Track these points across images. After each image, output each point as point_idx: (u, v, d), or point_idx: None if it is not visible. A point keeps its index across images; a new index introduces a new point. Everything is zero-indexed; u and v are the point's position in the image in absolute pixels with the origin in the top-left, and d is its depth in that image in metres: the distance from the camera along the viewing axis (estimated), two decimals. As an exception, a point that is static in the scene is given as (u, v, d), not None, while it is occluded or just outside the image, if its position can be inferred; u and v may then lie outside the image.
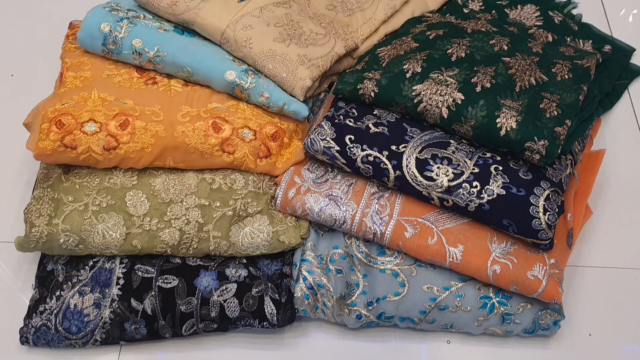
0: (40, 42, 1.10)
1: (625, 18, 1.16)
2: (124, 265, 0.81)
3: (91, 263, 0.81)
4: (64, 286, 0.80)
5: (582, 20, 1.11)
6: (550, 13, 1.07)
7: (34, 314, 0.78)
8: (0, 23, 1.12)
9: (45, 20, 1.14)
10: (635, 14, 1.17)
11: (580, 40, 1.05)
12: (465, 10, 1.08)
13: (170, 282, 0.79)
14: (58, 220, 0.79)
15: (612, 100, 1.04)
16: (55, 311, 0.78)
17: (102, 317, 0.78)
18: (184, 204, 0.81)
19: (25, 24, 1.13)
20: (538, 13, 1.07)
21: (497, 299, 0.80)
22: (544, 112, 0.80)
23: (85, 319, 0.78)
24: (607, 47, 1.06)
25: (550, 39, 0.99)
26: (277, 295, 0.79)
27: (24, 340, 0.78)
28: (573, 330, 0.83)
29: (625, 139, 1.01)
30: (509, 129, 0.78)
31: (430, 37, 0.92)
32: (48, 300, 0.79)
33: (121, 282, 0.79)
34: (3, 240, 0.88)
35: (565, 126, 0.80)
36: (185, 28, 0.92)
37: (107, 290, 0.79)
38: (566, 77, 0.87)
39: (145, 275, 0.80)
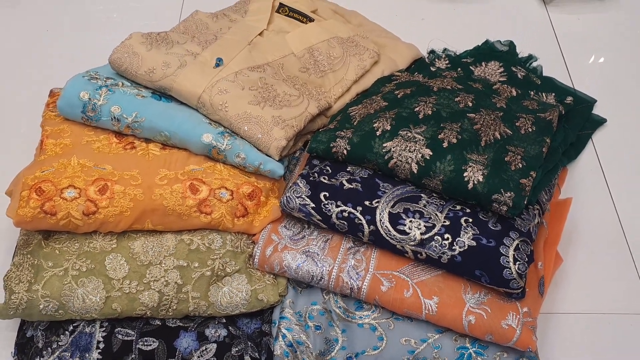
0: (20, 107, 1.13)
1: (586, 70, 1.22)
2: (104, 329, 0.81)
3: (71, 328, 0.81)
4: (44, 352, 0.80)
5: (544, 74, 1.16)
6: (514, 68, 1.12)
7: (13, 383, 0.78)
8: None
9: (26, 85, 1.16)
10: (594, 66, 1.23)
11: (543, 94, 1.10)
12: (432, 69, 1.13)
13: (150, 345, 0.80)
14: (38, 286, 0.80)
15: (577, 150, 1.09)
16: (34, 379, 0.78)
17: (82, 383, 0.78)
18: (163, 265, 0.83)
19: (7, 90, 1.15)
20: (502, 69, 1.12)
21: (474, 349, 0.81)
22: (509, 164, 0.84)
23: (65, 386, 0.78)
24: (569, 99, 1.11)
25: (514, 93, 1.04)
26: (257, 354, 0.80)
27: (2, 410, 0.78)
28: (549, 376, 0.85)
29: (592, 186, 1.04)
30: (476, 182, 0.81)
31: (399, 96, 0.97)
32: (27, 367, 0.79)
33: (101, 346, 0.80)
34: (-18, 308, 0.88)
35: (530, 177, 0.83)
36: (162, 94, 0.95)
37: (87, 355, 0.79)
38: (529, 130, 0.91)
39: (126, 338, 0.80)
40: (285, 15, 1.13)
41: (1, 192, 0.90)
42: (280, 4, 1.14)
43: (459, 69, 1.12)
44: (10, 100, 1.14)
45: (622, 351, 0.87)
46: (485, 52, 1.17)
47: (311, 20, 1.13)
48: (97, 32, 1.25)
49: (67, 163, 0.86)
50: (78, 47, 1.22)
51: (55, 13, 1.29)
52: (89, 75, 0.95)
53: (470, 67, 1.13)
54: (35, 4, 1.30)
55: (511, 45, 1.18)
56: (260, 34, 1.07)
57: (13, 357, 0.82)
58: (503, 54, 1.16)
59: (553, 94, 1.10)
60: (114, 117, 0.90)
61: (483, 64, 1.13)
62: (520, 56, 1.17)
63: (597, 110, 1.14)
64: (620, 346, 0.88)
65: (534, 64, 1.17)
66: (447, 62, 1.15)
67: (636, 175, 1.06)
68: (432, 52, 1.19)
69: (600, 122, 1.13)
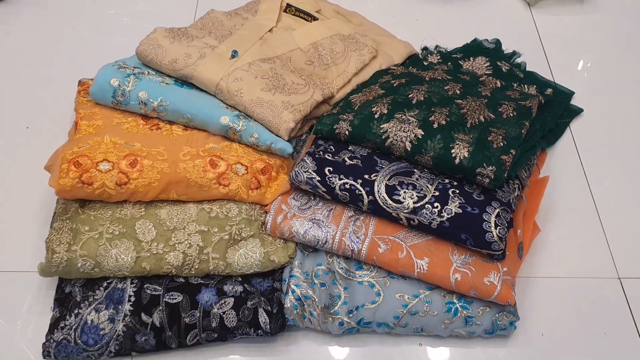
0: (50, 98, 1.23)
1: (566, 66, 1.33)
2: (134, 285, 0.92)
3: (105, 284, 0.92)
4: (82, 305, 0.90)
5: (527, 69, 1.28)
6: (499, 63, 1.24)
7: (55, 330, 0.89)
8: (16, 83, 1.26)
9: (53, 79, 1.27)
10: (573, 62, 1.34)
11: (526, 86, 1.21)
12: (425, 63, 1.24)
13: (176, 298, 0.91)
14: (76, 247, 0.91)
15: (556, 136, 1.20)
16: (74, 327, 0.88)
17: (116, 331, 0.88)
18: (186, 230, 0.93)
19: (38, 83, 1.26)
20: (488, 64, 1.24)
21: (460, 304, 0.92)
22: (492, 143, 0.95)
23: (101, 333, 0.88)
24: (549, 91, 1.22)
25: (498, 84, 1.15)
26: (269, 307, 0.91)
27: (46, 354, 0.88)
28: (528, 331, 0.95)
29: (568, 168, 1.15)
30: (462, 158, 0.93)
31: (395, 85, 1.08)
32: (67, 317, 0.89)
33: (132, 299, 0.90)
34: (23, 270, 0.99)
35: (510, 155, 0.94)
36: (184, 81, 1.06)
37: (120, 307, 0.90)
38: (511, 114, 1.02)
39: (154, 292, 0.91)
40: (292, 14, 1.25)
41: (37, 170, 1.01)
42: (288, 4, 1.26)
43: (449, 63, 1.24)
44: (40, 86, 1.25)
45: (591, 310, 0.98)
46: (474, 48, 1.28)
47: (315, 19, 1.24)
48: (110, 34, 1.36)
49: (101, 141, 0.97)
50: (94, 45, 1.33)
51: (77, 14, 1.40)
52: (118, 64, 1.06)
53: (460, 62, 1.24)
54: (62, 4, 1.42)
55: (497, 42, 1.30)
56: (270, 31, 1.18)
57: (52, 310, 0.92)
58: (490, 50, 1.28)
59: (534, 86, 1.22)
60: (141, 102, 1.01)
61: (471, 59, 1.25)
62: (505, 52, 1.29)
63: (574, 101, 1.25)
64: (590, 306, 0.98)
65: (518, 60, 1.28)
66: (438, 57, 1.26)
67: (609, 158, 1.17)
68: (425, 48, 1.30)
69: (577, 111, 1.24)
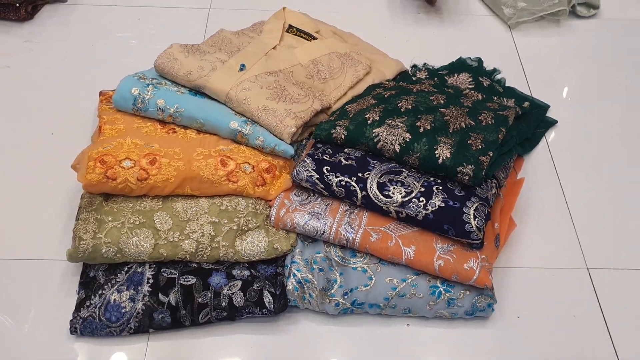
0: (71, 108, 1.35)
1: (542, 82, 1.46)
2: (152, 269, 1.03)
3: (126, 268, 1.03)
4: (105, 287, 1.01)
5: (507, 84, 1.40)
6: (480, 78, 1.36)
7: (82, 308, 0.99)
8: (40, 95, 1.38)
9: (73, 91, 1.39)
10: (549, 79, 1.47)
11: (505, 99, 1.33)
12: (414, 78, 1.37)
13: (189, 281, 1.01)
14: (101, 235, 1.01)
15: (532, 144, 1.32)
16: (98, 305, 0.99)
17: (136, 309, 0.99)
18: (199, 221, 1.05)
19: (60, 94, 1.38)
20: (471, 79, 1.36)
21: (443, 287, 1.03)
22: (471, 146, 1.07)
23: (123, 311, 0.99)
24: (527, 104, 1.34)
25: (479, 97, 1.28)
26: (273, 289, 1.01)
27: (72, 330, 0.98)
28: (505, 314, 1.06)
29: (543, 173, 1.27)
30: (444, 158, 1.04)
31: (386, 96, 1.20)
32: (92, 297, 1.00)
33: (151, 281, 1.01)
34: (50, 259, 1.09)
35: (487, 156, 1.06)
36: (197, 91, 1.18)
37: (139, 288, 1.00)
38: (489, 122, 1.14)
39: (170, 276, 1.02)
40: (293, 34, 1.38)
41: (61, 171, 1.13)
42: (290, 25, 1.39)
43: (435, 79, 1.36)
44: (62, 97, 1.36)
45: (562, 296, 1.08)
46: (458, 66, 1.41)
47: (315, 38, 1.37)
48: (120, 53, 1.48)
49: (123, 142, 1.09)
50: (111, 61, 1.45)
51: (96, 34, 1.52)
52: (138, 76, 1.18)
53: (445, 77, 1.37)
54: (83, 25, 1.55)
55: (480, 61, 1.43)
56: (273, 48, 1.31)
57: (77, 293, 1.03)
58: (473, 67, 1.41)
59: (513, 100, 1.34)
60: (159, 108, 1.13)
61: (455, 74, 1.37)
62: (487, 69, 1.41)
63: (550, 114, 1.38)
64: (561, 293, 1.09)
65: (498, 76, 1.41)
66: (426, 73, 1.39)
67: (580, 164, 1.29)
68: (414, 66, 1.43)
69: (552, 122, 1.36)
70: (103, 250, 1.01)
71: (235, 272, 1.03)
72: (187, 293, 1.00)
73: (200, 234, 1.03)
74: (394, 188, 1.04)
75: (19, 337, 1.00)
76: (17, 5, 1.49)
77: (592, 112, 1.40)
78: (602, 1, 1.64)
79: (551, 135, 1.35)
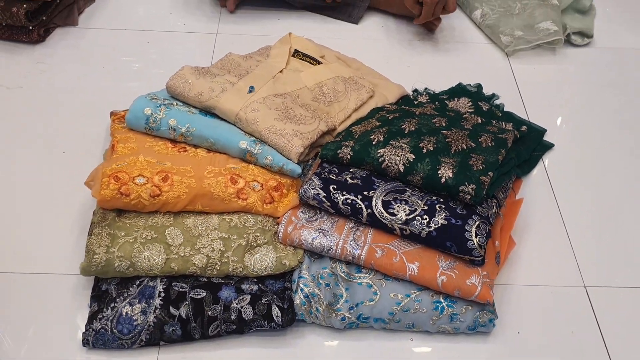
0: (81, 127, 1.38)
1: (539, 107, 1.50)
2: (163, 283, 1.05)
3: (138, 282, 1.05)
4: (117, 300, 1.03)
5: (505, 109, 1.45)
6: (480, 103, 1.41)
7: (94, 321, 1.02)
8: (53, 113, 1.41)
9: (84, 111, 1.42)
10: (546, 104, 1.52)
11: (503, 123, 1.38)
12: (416, 102, 1.42)
13: (200, 294, 1.04)
14: (114, 249, 1.04)
15: (530, 166, 1.36)
16: (110, 318, 1.01)
17: (147, 322, 1.01)
18: (210, 237, 1.08)
19: (70, 114, 1.42)
20: (470, 103, 1.41)
21: (446, 302, 1.06)
22: (472, 166, 1.11)
23: (134, 323, 1.01)
24: (524, 128, 1.39)
25: (479, 121, 1.32)
26: (281, 303, 1.04)
27: (85, 342, 1.01)
28: (505, 329, 1.09)
29: (541, 194, 1.31)
30: (447, 178, 1.08)
31: (389, 118, 1.25)
32: (104, 310, 1.02)
33: (162, 294, 1.04)
34: (64, 273, 1.12)
35: (488, 176, 1.10)
36: (207, 112, 1.22)
37: (151, 301, 1.03)
38: (489, 144, 1.18)
39: (181, 289, 1.05)
40: (299, 59, 1.42)
41: (73, 188, 1.17)
42: (295, 50, 1.44)
43: (436, 103, 1.41)
44: (73, 117, 1.40)
45: (561, 313, 1.12)
46: (458, 91, 1.46)
47: (320, 63, 1.42)
48: (125, 76, 1.52)
49: (136, 160, 1.12)
50: (120, 83, 1.49)
51: (106, 56, 1.57)
52: (150, 96, 1.22)
53: (446, 102, 1.41)
54: (93, 48, 1.59)
55: (479, 86, 1.48)
56: (280, 72, 1.36)
57: (89, 307, 1.05)
58: (472, 92, 1.45)
59: (511, 123, 1.38)
60: (171, 127, 1.17)
61: (456, 99, 1.42)
62: (486, 95, 1.46)
63: (547, 137, 1.42)
64: (559, 310, 1.12)
65: (497, 102, 1.46)
66: (427, 97, 1.44)
67: (576, 185, 1.33)
68: (415, 90, 1.48)
69: (549, 146, 1.41)
70: (116, 264, 1.03)
71: (244, 286, 1.06)
72: (198, 306, 1.03)
73: (211, 249, 1.06)
74: (398, 206, 1.08)
75: (32, 348, 1.02)
76: (30, 28, 1.53)
77: (587, 136, 1.45)
78: (596, 31, 1.70)
79: (548, 157, 1.39)
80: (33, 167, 1.29)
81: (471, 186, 1.07)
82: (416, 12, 1.58)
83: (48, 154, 1.32)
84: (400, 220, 1.07)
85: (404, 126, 1.20)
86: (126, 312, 1.02)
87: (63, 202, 1.23)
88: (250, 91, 1.24)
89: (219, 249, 1.06)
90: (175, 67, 1.30)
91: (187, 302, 1.03)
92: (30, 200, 1.23)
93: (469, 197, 1.07)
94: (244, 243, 1.08)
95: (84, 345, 1.01)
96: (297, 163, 1.17)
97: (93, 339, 1.01)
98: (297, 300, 1.05)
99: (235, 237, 1.08)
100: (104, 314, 1.02)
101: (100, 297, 1.05)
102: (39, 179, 1.27)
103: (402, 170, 1.11)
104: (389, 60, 1.60)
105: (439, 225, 1.05)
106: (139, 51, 1.59)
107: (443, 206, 1.08)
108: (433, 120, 1.22)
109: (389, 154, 1.13)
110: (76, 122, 1.39)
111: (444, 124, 1.22)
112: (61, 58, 1.55)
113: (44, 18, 1.54)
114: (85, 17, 1.66)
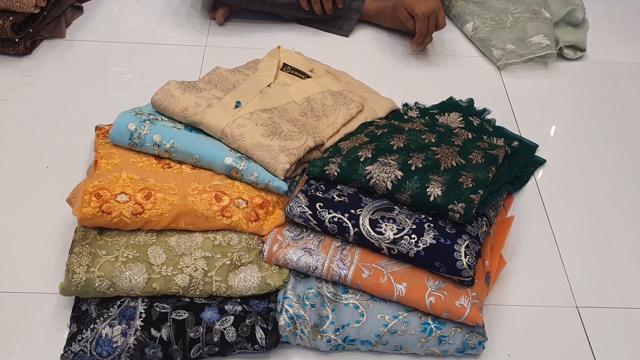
0: (66, 142, 1.36)
1: (531, 122, 1.49)
2: (145, 303, 1.03)
3: (118, 302, 1.03)
4: (97, 321, 1.01)
5: (497, 124, 1.43)
6: (471, 118, 1.39)
7: (73, 342, 0.99)
8: (38, 127, 1.39)
9: (69, 125, 1.40)
10: (537, 119, 1.50)
11: (494, 138, 1.36)
12: (405, 117, 1.40)
13: (182, 315, 1.01)
14: (94, 269, 1.02)
15: (522, 183, 1.34)
16: (90, 339, 0.99)
17: (127, 344, 0.99)
18: (193, 256, 1.05)
19: (55, 128, 1.40)
20: (461, 118, 1.39)
21: (435, 324, 1.03)
22: (462, 184, 1.09)
23: (114, 345, 0.98)
24: (516, 143, 1.37)
25: (470, 136, 1.30)
26: (265, 325, 1.02)
27: (63, 364, 0.98)
28: (496, 352, 1.06)
29: (532, 211, 1.29)
30: (436, 196, 1.06)
31: (378, 134, 1.23)
32: (84, 332, 1.00)
33: (143, 316, 1.01)
34: (43, 292, 1.09)
35: (478, 194, 1.08)
36: (193, 127, 1.20)
37: (132, 322, 1.00)
38: (480, 161, 1.16)
39: (162, 310, 1.02)
40: (287, 72, 1.41)
41: (56, 204, 1.14)
42: (284, 64, 1.42)
43: (427, 117, 1.39)
44: (58, 131, 1.38)
45: (552, 334, 1.09)
46: (449, 105, 1.44)
47: (308, 77, 1.40)
48: (113, 89, 1.50)
49: (119, 176, 1.10)
50: (107, 96, 1.47)
51: (92, 69, 1.55)
52: (135, 111, 1.20)
53: (436, 116, 1.40)
54: (79, 61, 1.57)
55: (470, 101, 1.46)
56: (268, 86, 1.34)
57: (69, 327, 1.03)
58: (463, 107, 1.44)
59: (502, 139, 1.36)
60: (155, 143, 1.15)
61: (446, 114, 1.40)
62: (477, 109, 1.45)
63: (539, 153, 1.41)
64: (551, 330, 1.10)
65: (488, 116, 1.44)
66: (417, 112, 1.42)
67: (568, 202, 1.31)
68: (405, 104, 1.46)
69: (540, 162, 1.39)
70: (96, 284, 1.01)
71: (227, 307, 1.03)
72: (180, 328, 1.00)
73: (194, 269, 1.04)
74: (385, 225, 1.06)
75: (8, 371, 1.00)
76: (17, 40, 1.51)
77: (580, 151, 1.43)
78: (589, 44, 1.69)
79: (540, 173, 1.37)
80: (16, 182, 1.27)
81: (460, 205, 1.05)
82: (410, 26, 1.56)
83: (32, 168, 1.30)
84: (388, 239, 1.04)
85: (392, 142, 1.18)
86: (106, 334, 0.99)
87: (46, 218, 1.20)
88: (236, 106, 1.22)
89: (202, 269, 1.04)
90: (163, 79, 1.28)
91: (168, 323, 1.00)
92: (12, 216, 1.21)
93: (458, 216, 1.05)
94: (228, 262, 1.05)
95: (62, 368, 0.99)
96: (283, 180, 1.15)
97: (71, 362, 0.98)
98: (281, 322, 1.02)
99: (219, 256, 1.06)
100: (83, 336, 0.99)
101: (80, 318, 1.03)
102: (21, 194, 1.25)
103: (390, 187, 1.09)
104: (379, 74, 1.59)
105: (428, 244, 1.03)
106: (127, 64, 1.57)
107: (432, 225, 1.06)
108: (422, 137, 1.20)
109: (377, 171, 1.10)
110: (61, 136, 1.37)
111: (433, 140, 1.20)
112: (47, 71, 1.53)
113: (31, 30, 1.52)
114: (72, 29, 1.64)
